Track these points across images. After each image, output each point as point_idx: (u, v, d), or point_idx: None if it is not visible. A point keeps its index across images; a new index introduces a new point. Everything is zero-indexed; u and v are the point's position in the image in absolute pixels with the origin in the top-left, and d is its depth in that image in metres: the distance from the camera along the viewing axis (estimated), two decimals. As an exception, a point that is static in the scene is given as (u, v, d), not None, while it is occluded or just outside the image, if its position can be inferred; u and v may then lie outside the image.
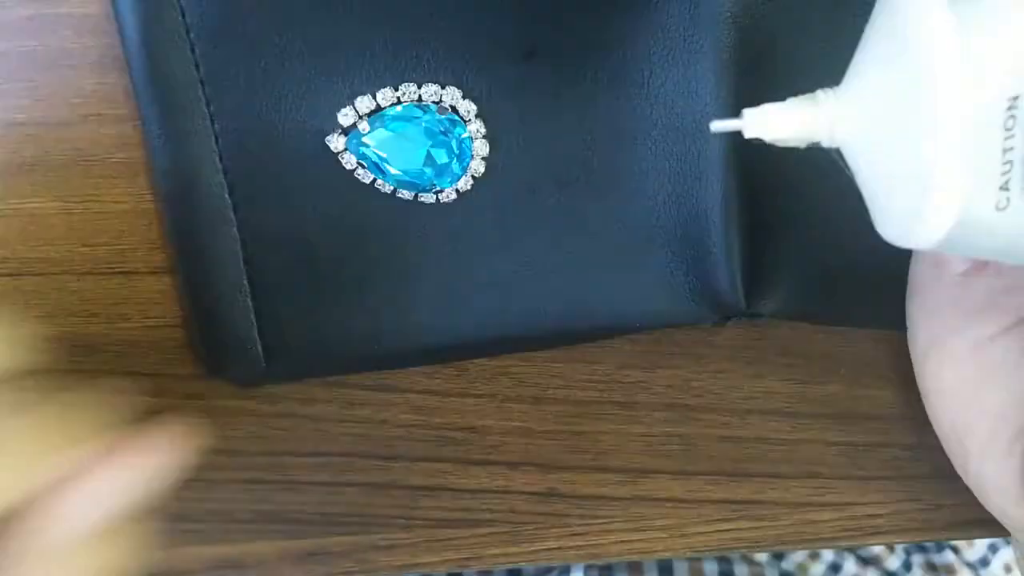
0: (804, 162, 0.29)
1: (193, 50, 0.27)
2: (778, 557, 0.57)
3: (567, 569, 0.53)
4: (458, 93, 0.28)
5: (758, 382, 0.34)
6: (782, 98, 0.23)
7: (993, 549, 0.60)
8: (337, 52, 0.28)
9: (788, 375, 0.34)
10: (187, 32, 0.27)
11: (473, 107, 0.29)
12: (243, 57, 0.28)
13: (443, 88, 0.28)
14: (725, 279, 0.29)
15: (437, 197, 0.29)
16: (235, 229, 0.29)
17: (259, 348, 0.30)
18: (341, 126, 0.28)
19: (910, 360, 0.30)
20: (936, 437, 0.31)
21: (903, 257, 0.29)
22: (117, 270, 0.31)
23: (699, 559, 0.53)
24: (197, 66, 0.27)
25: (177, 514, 0.33)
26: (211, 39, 0.27)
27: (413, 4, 0.28)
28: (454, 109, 0.29)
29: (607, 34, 0.28)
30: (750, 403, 0.34)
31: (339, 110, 0.28)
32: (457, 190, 0.29)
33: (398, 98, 0.28)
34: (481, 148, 0.29)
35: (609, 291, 0.30)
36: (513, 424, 0.34)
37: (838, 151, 0.22)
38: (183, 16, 0.27)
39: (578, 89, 0.29)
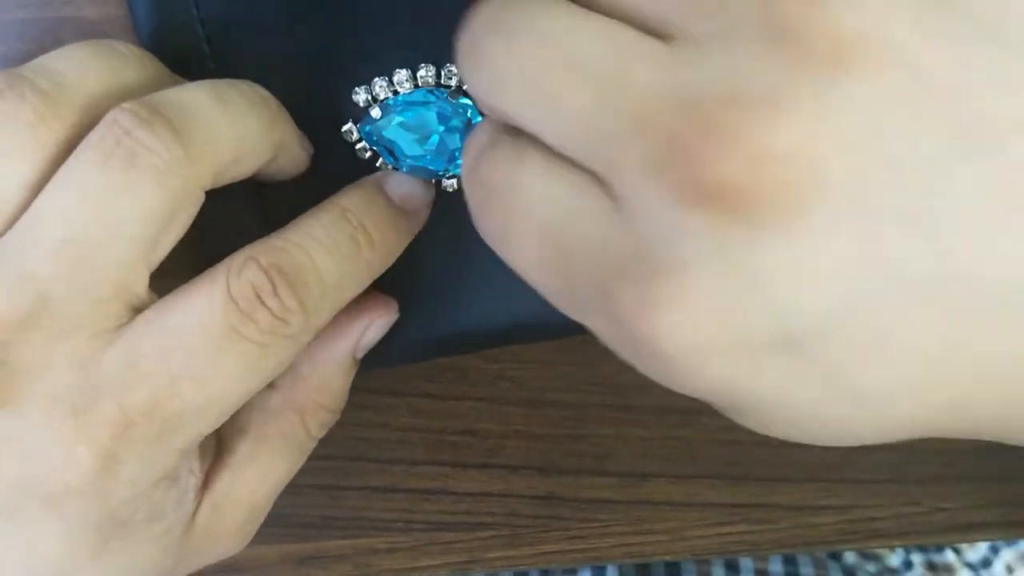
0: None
1: (208, 42, 0.27)
2: (835, 557, 0.57)
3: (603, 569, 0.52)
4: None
5: (758, 385, 0.34)
6: None
7: (995, 550, 0.59)
8: (351, 38, 0.28)
9: (788, 378, 0.34)
10: (202, 25, 0.27)
11: None
12: (256, 50, 0.28)
13: (454, 70, 0.28)
14: None
15: (441, 184, 0.29)
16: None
17: None
18: (355, 108, 0.28)
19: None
20: (937, 439, 0.31)
21: None
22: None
23: (764, 558, 0.53)
24: (212, 58, 0.28)
25: (177, 517, 0.33)
26: (224, 33, 0.27)
27: None
28: (465, 92, 0.28)
29: None
30: (750, 406, 0.34)
31: (352, 94, 0.28)
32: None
33: (413, 81, 0.28)
34: None
35: None
36: (512, 427, 0.34)
37: None
38: (197, 9, 0.27)
39: None
